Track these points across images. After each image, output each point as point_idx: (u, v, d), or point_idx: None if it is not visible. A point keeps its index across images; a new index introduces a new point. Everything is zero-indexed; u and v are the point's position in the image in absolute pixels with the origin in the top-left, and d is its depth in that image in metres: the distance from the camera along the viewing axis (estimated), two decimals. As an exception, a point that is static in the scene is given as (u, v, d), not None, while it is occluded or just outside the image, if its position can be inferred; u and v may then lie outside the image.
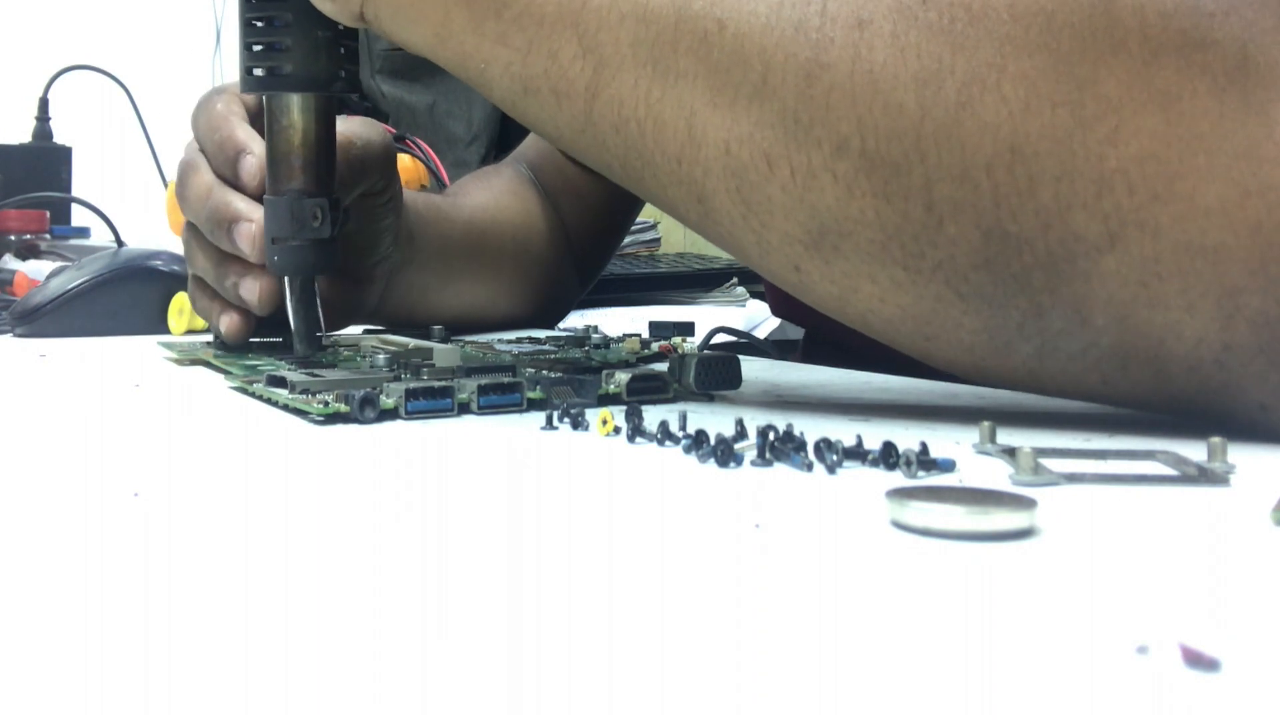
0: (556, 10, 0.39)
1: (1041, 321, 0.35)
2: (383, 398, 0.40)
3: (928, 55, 0.35)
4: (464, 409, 0.41)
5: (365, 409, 0.39)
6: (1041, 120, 0.34)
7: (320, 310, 0.53)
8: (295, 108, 0.50)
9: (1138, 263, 0.34)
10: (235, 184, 0.55)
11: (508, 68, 0.41)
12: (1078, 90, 0.34)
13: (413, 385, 0.40)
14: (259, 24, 0.49)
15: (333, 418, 0.39)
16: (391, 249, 0.63)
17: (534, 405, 0.42)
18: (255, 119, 0.56)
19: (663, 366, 0.47)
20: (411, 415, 0.40)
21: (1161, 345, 0.34)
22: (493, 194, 0.77)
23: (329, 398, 0.40)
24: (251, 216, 0.53)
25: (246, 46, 0.50)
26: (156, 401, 0.46)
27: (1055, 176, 0.34)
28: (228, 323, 0.57)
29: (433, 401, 0.40)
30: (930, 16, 0.35)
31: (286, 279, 0.52)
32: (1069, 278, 0.34)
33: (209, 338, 0.61)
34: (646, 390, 0.44)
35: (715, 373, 0.45)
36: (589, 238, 0.82)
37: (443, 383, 0.41)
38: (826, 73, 0.36)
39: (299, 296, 0.52)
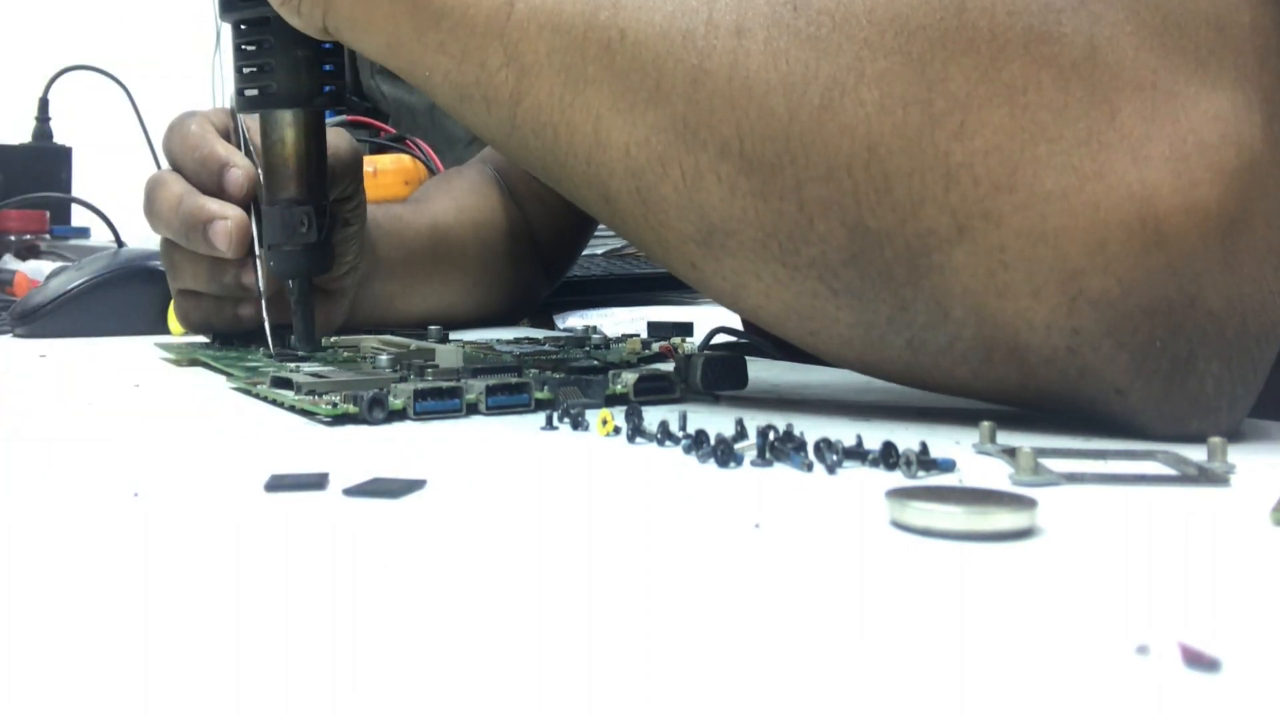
0: (485, 22, 0.41)
1: (907, 315, 0.37)
2: (391, 398, 0.40)
3: (796, 61, 0.36)
4: (472, 409, 0.41)
5: (374, 409, 0.39)
6: (894, 119, 0.35)
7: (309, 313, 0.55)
8: (283, 123, 0.54)
9: (984, 253, 0.35)
10: (219, 196, 0.58)
11: (447, 75, 0.43)
12: (928, 90, 0.35)
13: (421, 386, 0.40)
14: (249, 48, 0.53)
15: (341, 418, 0.39)
16: (358, 259, 0.65)
17: (541, 405, 0.42)
18: (224, 138, 0.60)
19: (668, 367, 0.47)
20: (420, 416, 0.40)
21: (1017, 335, 0.35)
22: (454, 197, 0.80)
23: (337, 399, 0.40)
24: (225, 214, 0.57)
25: (238, 69, 0.54)
26: (156, 401, 0.46)
27: (907, 173, 0.35)
28: (247, 312, 0.60)
29: (441, 402, 0.40)
30: (800, 24, 0.36)
31: (287, 282, 0.55)
32: (926, 271, 0.36)
33: (206, 339, 0.61)
34: (654, 390, 0.44)
35: (722, 373, 0.45)
36: (555, 236, 0.84)
37: (451, 383, 0.41)
38: (709, 79, 0.37)
39: (298, 298, 0.55)
